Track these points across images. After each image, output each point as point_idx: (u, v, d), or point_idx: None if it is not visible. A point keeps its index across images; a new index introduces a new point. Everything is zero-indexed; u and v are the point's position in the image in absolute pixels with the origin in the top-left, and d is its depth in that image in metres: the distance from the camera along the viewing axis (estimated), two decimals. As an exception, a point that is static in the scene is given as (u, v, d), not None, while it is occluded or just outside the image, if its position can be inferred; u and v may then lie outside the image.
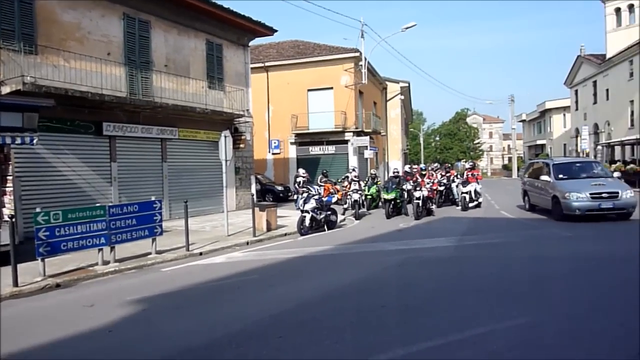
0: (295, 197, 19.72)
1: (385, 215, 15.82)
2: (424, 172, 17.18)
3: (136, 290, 7.18)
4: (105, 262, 8.80)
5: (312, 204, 13.06)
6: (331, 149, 28.35)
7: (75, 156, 13.48)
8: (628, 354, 4.15)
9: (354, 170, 19.64)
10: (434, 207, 16.59)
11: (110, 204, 9.31)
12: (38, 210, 7.89)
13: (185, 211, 10.47)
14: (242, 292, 6.96)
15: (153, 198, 9.97)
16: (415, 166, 31.52)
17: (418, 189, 15.64)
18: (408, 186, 16.39)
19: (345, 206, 18.15)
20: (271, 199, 23.24)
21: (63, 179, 13.18)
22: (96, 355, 4.67)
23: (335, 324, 5.26)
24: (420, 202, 15.35)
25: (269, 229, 13.10)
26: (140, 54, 15.34)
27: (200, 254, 10.18)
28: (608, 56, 37.34)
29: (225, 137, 12.21)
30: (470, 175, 18.12)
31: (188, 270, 8.65)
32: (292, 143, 28.91)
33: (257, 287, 7.21)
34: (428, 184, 16.36)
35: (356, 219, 16.09)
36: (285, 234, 12.84)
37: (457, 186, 19.12)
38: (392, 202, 16.12)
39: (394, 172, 17.28)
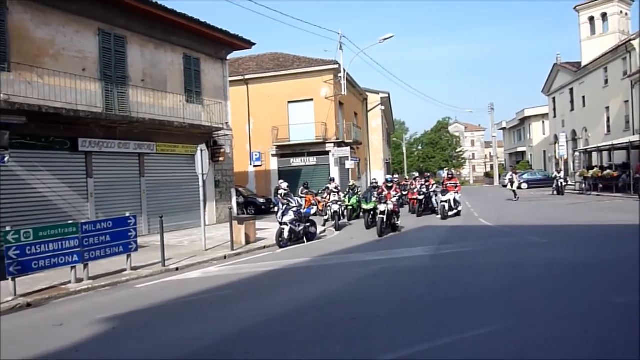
0: (276, 209, 19.71)
1: (365, 225, 15.84)
2: (390, 184, 15.09)
3: (108, 308, 7.10)
4: (79, 280, 8.69)
5: (290, 216, 13.08)
6: (312, 160, 28.43)
7: (50, 173, 13.33)
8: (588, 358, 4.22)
9: (333, 180, 19.71)
10: (399, 222, 14.81)
11: (83, 221, 9.21)
12: (8, 229, 7.80)
13: (161, 226, 10.39)
14: (214, 307, 6.92)
15: (127, 214, 9.90)
16: (397, 176, 31.79)
17: (383, 202, 14.19)
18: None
19: (326, 217, 18.18)
20: (253, 212, 23.20)
21: (38, 196, 13.01)
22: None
23: (304, 337, 5.26)
24: (384, 217, 13.88)
25: (247, 242, 13.07)
26: (116, 69, 15.29)
27: (177, 269, 10.10)
28: (583, 64, 38.20)
29: (202, 151, 12.19)
30: (449, 185, 18.31)
31: (162, 287, 8.58)
32: (273, 155, 28.94)
33: (229, 302, 7.18)
34: (394, 197, 14.67)
35: (336, 230, 16.13)
36: (264, 247, 12.81)
37: (436, 195, 19.32)
38: (372, 212, 16.11)
39: (372, 183, 17.24)
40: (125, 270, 9.56)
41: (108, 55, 15.02)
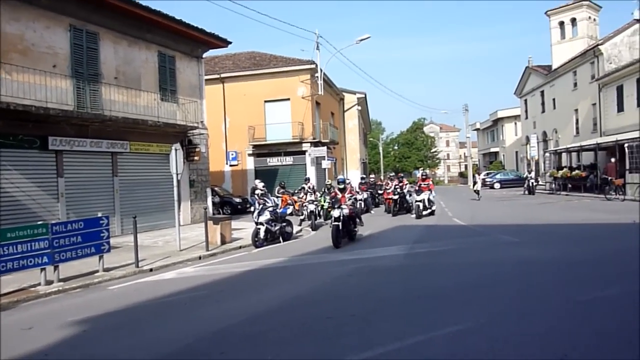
0: (252, 209, 19.63)
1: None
2: (342, 186, 13.22)
3: (79, 311, 6.97)
4: (49, 282, 8.50)
5: (266, 215, 13.05)
6: (289, 160, 28.43)
7: (18, 172, 12.99)
8: (555, 356, 4.35)
9: (308, 180, 19.73)
10: (357, 228, 13.23)
11: (54, 222, 9.01)
12: (-26, 230, 7.57)
13: (135, 226, 10.25)
14: (189, 308, 6.86)
15: (100, 214, 9.73)
16: (373, 175, 31.97)
17: (337, 206, 12.36)
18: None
19: (302, 217, 18.19)
20: (229, 212, 23.05)
21: (6, 196, 12.66)
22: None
23: (279, 337, 5.27)
24: (339, 223, 11.98)
25: (223, 242, 12.98)
26: (89, 66, 14.98)
27: (151, 270, 9.97)
28: (554, 67, 39.15)
29: (176, 150, 12.06)
30: (423, 185, 18.56)
31: (136, 288, 8.47)
32: (249, 154, 28.82)
33: (204, 303, 7.13)
34: (350, 199, 12.95)
35: (313, 230, 16.15)
36: (240, 247, 12.76)
37: (410, 195, 19.56)
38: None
39: (339, 182, 14.58)
40: (97, 271, 9.40)
41: (80, 51, 14.71)
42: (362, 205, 21.44)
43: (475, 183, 28.47)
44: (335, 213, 12.20)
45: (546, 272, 7.93)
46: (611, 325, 5.11)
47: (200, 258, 11.26)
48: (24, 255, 8.09)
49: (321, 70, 27.58)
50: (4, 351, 5.28)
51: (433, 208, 18.66)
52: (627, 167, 23.16)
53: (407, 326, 5.40)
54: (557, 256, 9.34)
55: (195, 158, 18.89)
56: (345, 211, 12.32)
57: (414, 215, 18.07)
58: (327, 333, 5.32)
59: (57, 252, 8.57)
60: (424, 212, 17.93)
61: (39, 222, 8.89)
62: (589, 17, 37.62)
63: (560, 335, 4.87)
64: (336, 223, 11.94)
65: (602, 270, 7.90)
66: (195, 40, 19.26)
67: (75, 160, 14.58)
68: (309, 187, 18.41)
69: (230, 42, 20.48)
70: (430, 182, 19.38)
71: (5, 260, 7.81)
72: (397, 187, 20.00)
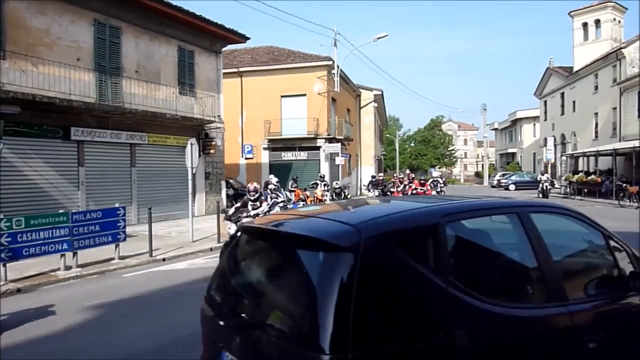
0: (265, 203, 19.92)
1: None
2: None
3: (96, 296, 7.41)
4: (68, 267, 8.98)
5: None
6: (303, 155, 28.75)
7: (42, 161, 13.56)
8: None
9: (323, 178, 19.84)
10: None
11: (74, 211, 9.49)
12: (1, 216, 8.06)
13: (149, 217, 10.69)
14: (197, 298, 7.13)
15: (117, 204, 10.19)
16: (381, 174, 32.03)
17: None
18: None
19: None
20: (242, 204, 23.47)
21: (30, 183, 13.24)
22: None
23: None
24: None
25: (234, 235, 13.37)
26: (111, 60, 15.48)
27: (164, 259, 10.42)
28: (575, 69, 38.69)
29: (192, 145, 12.47)
30: (419, 190, 18.61)
31: (149, 276, 8.91)
32: (264, 148, 29.22)
33: (212, 294, 7.51)
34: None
35: None
36: (251, 240, 13.11)
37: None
38: None
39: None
40: (113, 259, 9.87)
41: (103, 45, 15.20)
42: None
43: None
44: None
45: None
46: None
47: (211, 250, 11.66)
48: (46, 241, 8.57)
49: (338, 67, 27.79)
50: (23, 331, 5.71)
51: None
52: (643, 174, 22.98)
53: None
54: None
55: (211, 151, 19.35)
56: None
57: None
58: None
59: (76, 239, 9.04)
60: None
61: (60, 211, 9.37)
62: (614, 19, 37.05)
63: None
64: None
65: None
66: (214, 36, 19.66)
67: (95, 151, 15.12)
68: (326, 186, 16.64)
69: (249, 38, 20.88)
70: (429, 188, 19.34)
71: (28, 245, 8.29)
72: (406, 187, 20.20)
